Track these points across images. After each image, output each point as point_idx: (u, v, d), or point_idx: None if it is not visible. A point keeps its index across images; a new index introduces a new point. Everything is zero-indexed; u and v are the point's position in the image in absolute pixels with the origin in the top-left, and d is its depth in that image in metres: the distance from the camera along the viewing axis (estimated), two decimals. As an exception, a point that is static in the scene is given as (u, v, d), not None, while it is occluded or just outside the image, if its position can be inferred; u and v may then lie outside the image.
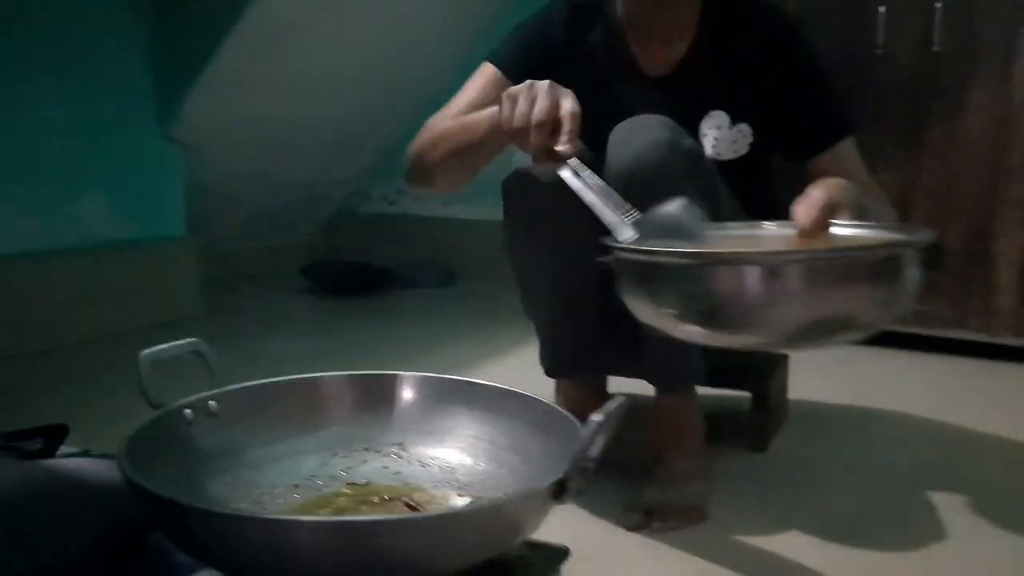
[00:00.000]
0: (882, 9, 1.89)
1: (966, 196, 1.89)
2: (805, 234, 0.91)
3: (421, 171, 1.20)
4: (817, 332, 0.82)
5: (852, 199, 0.95)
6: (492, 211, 1.25)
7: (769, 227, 1.02)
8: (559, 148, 0.95)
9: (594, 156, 1.09)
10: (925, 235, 0.84)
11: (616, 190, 1.05)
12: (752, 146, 1.22)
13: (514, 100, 0.97)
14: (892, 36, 1.90)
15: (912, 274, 0.82)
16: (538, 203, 1.15)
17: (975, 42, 1.84)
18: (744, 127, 1.21)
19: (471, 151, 1.12)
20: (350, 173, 3.14)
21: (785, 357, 1.52)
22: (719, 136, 1.21)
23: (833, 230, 0.91)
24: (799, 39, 1.23)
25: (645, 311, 0.89)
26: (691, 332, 0.86)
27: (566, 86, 1.26)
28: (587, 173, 0.96)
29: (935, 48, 1.86)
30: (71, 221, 2.12)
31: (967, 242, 1.89)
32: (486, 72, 1.26)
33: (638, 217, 0.93)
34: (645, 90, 1.23)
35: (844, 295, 0.80)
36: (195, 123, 2.32)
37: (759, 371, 1.43)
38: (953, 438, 1.48)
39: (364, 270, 2.88)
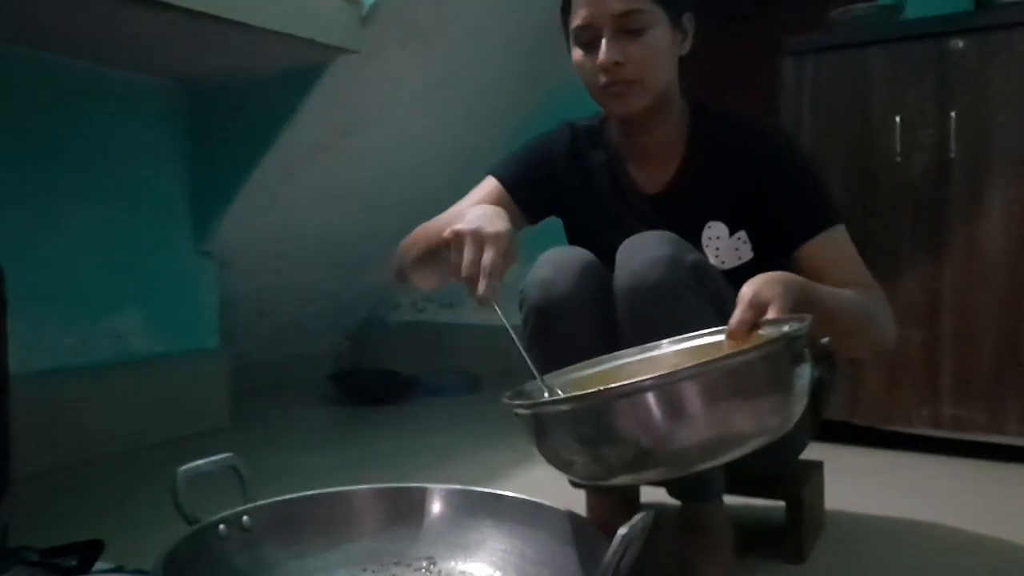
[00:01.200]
0: (898, 119, 1.94)
1: (992, 298, 1.89)
2: (732, 336, 0.91)
3: (399, 269, 1.28)
4: (707, 451, 0.82)
5: (787, 291, 0.94)
6: (518, 317, 1.28)
7: (666, 348, 1.05)
8: (477, 297, 0.97)
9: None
10: (790, 331, 0.82)
11: (621, 306, 1.14)
12: (756, 251, 1.24)
13: (449, 243, 1.01)
14: (909, 144, 1.94)
15: (792, 372, 0.81)
16: (552, 314, 1.18)
17: (990, 147, 1.87)
18: (743, 234, 1.24)
19: (434, 258, 1.16)
20: (376, 283, 3.20)
21: (820, 464, 1.50)
22: (720, 246, 1.24)
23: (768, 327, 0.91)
24: (777, 140, 1.25)
25: (546, 456, 0.90)
26: (589, 473, 0.86)
27: (568, 205, 1.34)
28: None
29: (951, 155, 1.90)
30: (107, 336, 2.16)
31: (999, 344, 1.88)
32: (488, 185, 1.33)
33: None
34: (644, 208, 1.28)
35: (709, 410, 0.79)
36: (228, 239, 2.40)
37: (793, 478, 1.41)
38: (994, 547, 1.44)
39: (391, 378, 2.90)
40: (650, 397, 0.78)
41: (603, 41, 1.15)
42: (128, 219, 2.20)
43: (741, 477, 1.28)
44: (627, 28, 1.14)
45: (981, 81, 1.88)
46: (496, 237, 0.98)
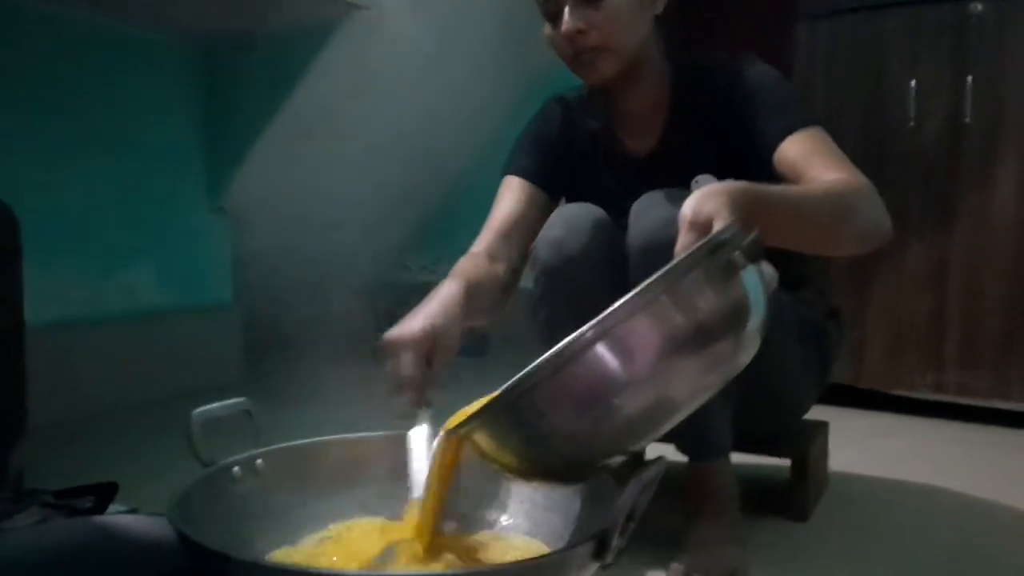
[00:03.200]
0: (913, 83, 1.93)
1: (1000, 265, 1.89)
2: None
3: None
4: (656, 411, 0.72)
5: (733, 200, 0.83)
6: (527, 278, 1.28)
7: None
8: (404, 402, 0.96)
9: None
10: (706, 241, 0.71)
11: (634, 265, 1.12)
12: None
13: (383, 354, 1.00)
14: (923, 109, 1.93)
15: (728, 290, 0.70)
16: (563, 274, 1.17)
17: (1006, 113, 1.86)
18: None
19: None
20: (389, 244, 3.20)
21: (825, 424, 1.51)
22: None
23: None
24: (743, 65, 1.22)
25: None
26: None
27: (568, 177, 1.34)
28: (423, 443, 0.95)
29: (966, 120, 1.88)
30: (120, 289, 2.18)
31: (1006, 310, 1.88)
32: (510, 185, 1.33)
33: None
34: (635, 172, 1.27)
35: (634, 370, 0.67)
36: (241, 198, 2.41)
37: (799, 438, 1.42)
38: (995, 512, 1.45)
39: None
40: (558, 382, 0.67)
41: (565, 11, 1.15)
42: (142, 174, 2.21)
43: (747, 436, 1.29)
44: None
45: (999, 46, 1.86)
46: (409, 343, 0.97)
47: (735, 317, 0.72)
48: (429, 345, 0.98)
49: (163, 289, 2.28)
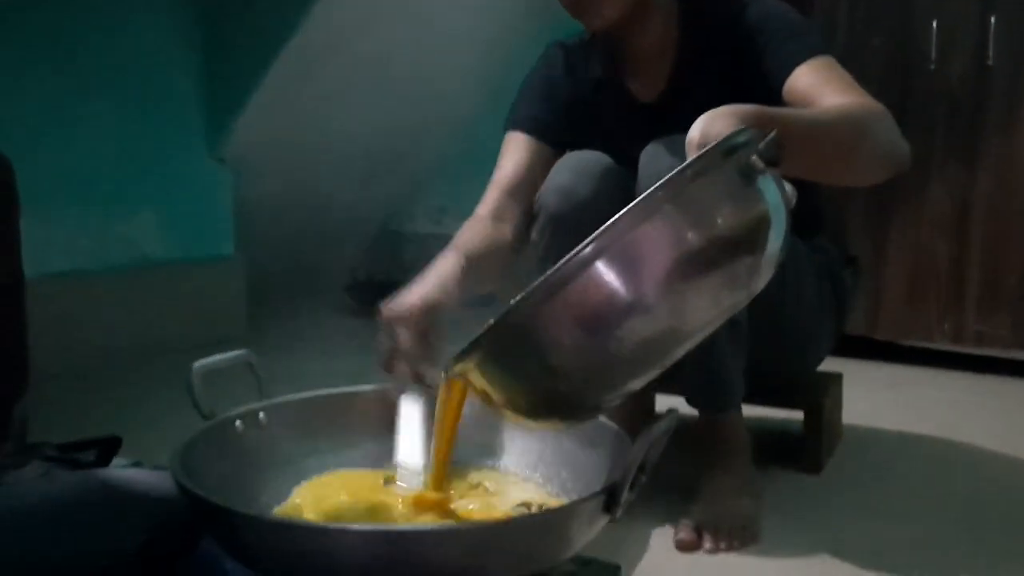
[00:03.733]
0: (935, 24, 1.86)
1: (1023, 209, 1.84)
2: None
3: None
4: (672, 333, 0.67)
5: (743, 121, 0.76)
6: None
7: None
8: (398, 375, 0.96)
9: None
10: (726, 140, 0.65)
11: None
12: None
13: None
14: (945, 50, 1.87)
15: (745, 195, 0.64)
16: (571, 222, 1.14)
17: (1031, 55, 1.81)
18: None
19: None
20: (393, 192, 3.17)
21: (839, 376, 1.49)
22: None
23: None
24: (761, 6, 1.17)
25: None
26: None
27: (573, 125, 1.28)
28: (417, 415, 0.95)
29: (989, 62, 1.83)
30: (122, 240, 2.16)
31: (1027, 258, 1.85)
32: (514, 140, 1.28)
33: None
34: (644, 116, 1.22)
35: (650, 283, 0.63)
36: (243, 145, 2.37)
37: (812, 389, 1.40)
38: (1011, 464, 1.44)
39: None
40: (556, 303, 0.63)
41: None
42: (142, 122, 2.17)
43: (761, 386, 1.27)
44: None
45: (1024, -15, 1.80)
46: (405, 318, 0.96)
47: (754, 231, 0.66)
48: (426, 321, 0.97)
49: (164, 239, 2.26)
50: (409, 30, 2.48)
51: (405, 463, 0.91)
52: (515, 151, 1.27)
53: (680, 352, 0.70)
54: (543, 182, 1.23)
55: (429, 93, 2.78)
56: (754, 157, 0.66)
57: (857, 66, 1.89)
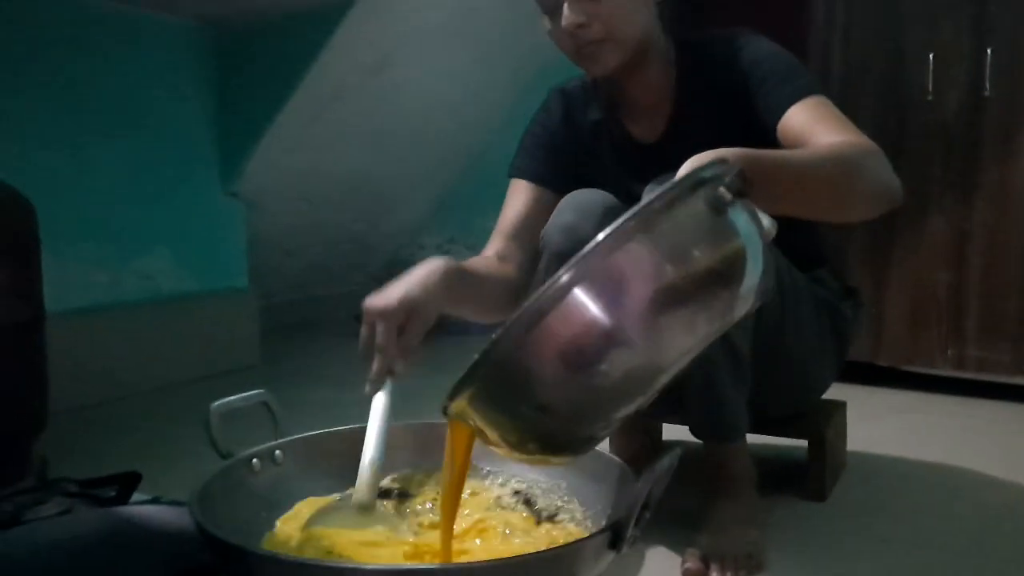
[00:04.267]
0: (931, 56, 1.89)
1: (1022, 237, 1.86)
2: None
3: None
4: (649, 369, 0.67)
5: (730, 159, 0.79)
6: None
7: None
8: (368, 384, 0.97)
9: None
10: (694, 172, 0.67)
11: None
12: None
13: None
14: (941, 83, 1.90)
15: (717, 229, 0.66)
16: (571, 257, 1.16)
17: (1026, 86, 1.83)
18: None
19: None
20: (402, 225, 3.21)
21: (843, 404, 1.51)
22: None
23: None
24: (742, 37, 1.20)
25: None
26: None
27: (574, 169, 1.30)
28: (382, 411, 0.96)
29: (986, 93, 1.85)
30: (138, 275, 2.20)
31: (1026, 285, 1.86)
32: (517, 187, 1.31)
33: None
34: (644, 158, 1.25)
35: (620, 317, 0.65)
36: (256, 181, 2.41)
37: (815, 418, 1.41)
38: (1017, 490, 1.44)
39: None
40: (539, 332, 0.65)
41: (564, 5, 1.12)
42: (157, 160, 2.22)
43: (764, 417, 1.29)
44: None
45: (1020, 17, 1.82)
46: (382, 313, 0.97)
47: (729, 262, 0.68)
48: (403, 316, 0.98)
49: (180, 274, 2.30)
50: (417, 70, 2.53)
51: (362, 465, 0.92)
52: (517, 198, 1.30)
53: (664, 380, 0.71)
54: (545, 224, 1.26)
55: (437, 130, 2.82)
56: (721, 189, 0.67)
57: (853, 99, 1.93)
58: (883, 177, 1.03)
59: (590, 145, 1.31)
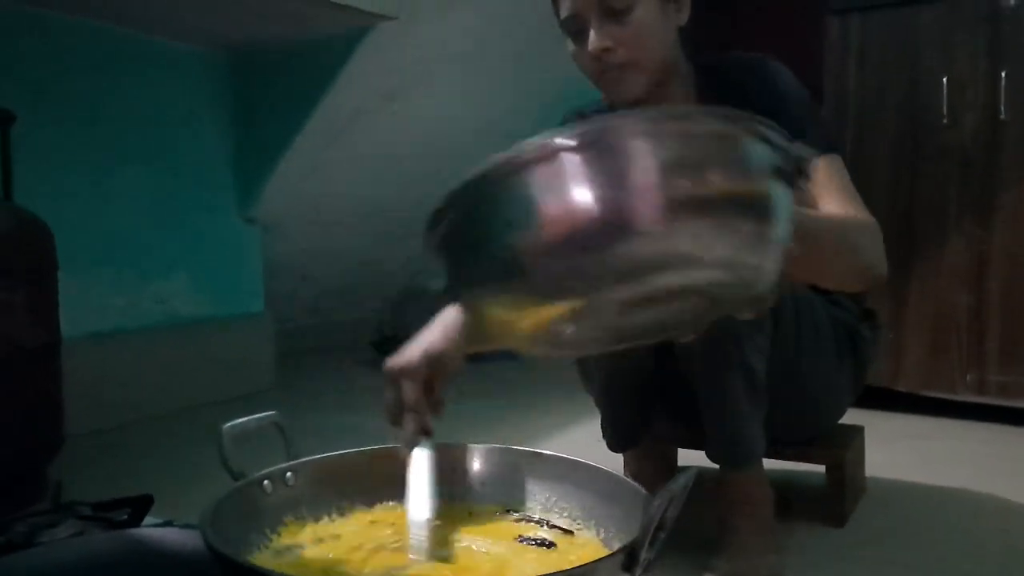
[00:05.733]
0: (945, 80, 1.89)
1: (1043, 262, 1.85)
2: None
3: None
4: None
5: None
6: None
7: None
8: (406, 430, 0.96)
9: None
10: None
11: None
12: None
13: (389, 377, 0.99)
14: (956, 106, 1.90)
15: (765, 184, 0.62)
16: None
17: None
18: None
19: None
20: (418, 251, 3.21)
21: (861, 428, 1.49)
22: None
23: None
24: (766, 67, 1.21)
25: None
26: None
27: None
28: (425, 468, 0.94)
29: (1002, 116, 1.85)
30: (155, 299, 2.21)
31: (1048, 309, 1.84)
32: None
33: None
34: None
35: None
36: (272, 206, 2.43)
37: (834, 443, 1.40)
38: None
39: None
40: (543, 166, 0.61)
41: (591, 28, 1.11)
42: (174, 185, 2.24)
43: (782, 441, 1.28)
44: (612, 10, 1.09)
45: (1034, 39, 1.82)
46: (405, 371, 0.97)
47: (751, 205, 0.64)
48: (429, 372, 0.98)
49: (197, 298, 2.31)
50: (432, 97, 2.55)
51: (414, 519, 0.90)
52: None
53: (661, 280, 0.63)
54: None
55: (452, 156, 2.83)
56: (779, 155, 0.65)
57: (870, 123, 1.93)
58: (873, 257, 1.07)
59: None
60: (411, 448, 0.95)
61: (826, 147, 1.14)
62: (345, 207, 2.72)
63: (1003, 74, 1.84)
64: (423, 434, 0.96)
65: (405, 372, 0.97)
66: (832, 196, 1.10)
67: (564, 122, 1.35)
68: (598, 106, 1.33)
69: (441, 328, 1.03)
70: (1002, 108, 1.84)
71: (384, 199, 2.81)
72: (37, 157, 1.85)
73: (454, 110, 2.68)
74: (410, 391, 0.96)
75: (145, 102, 2.15)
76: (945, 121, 1.90)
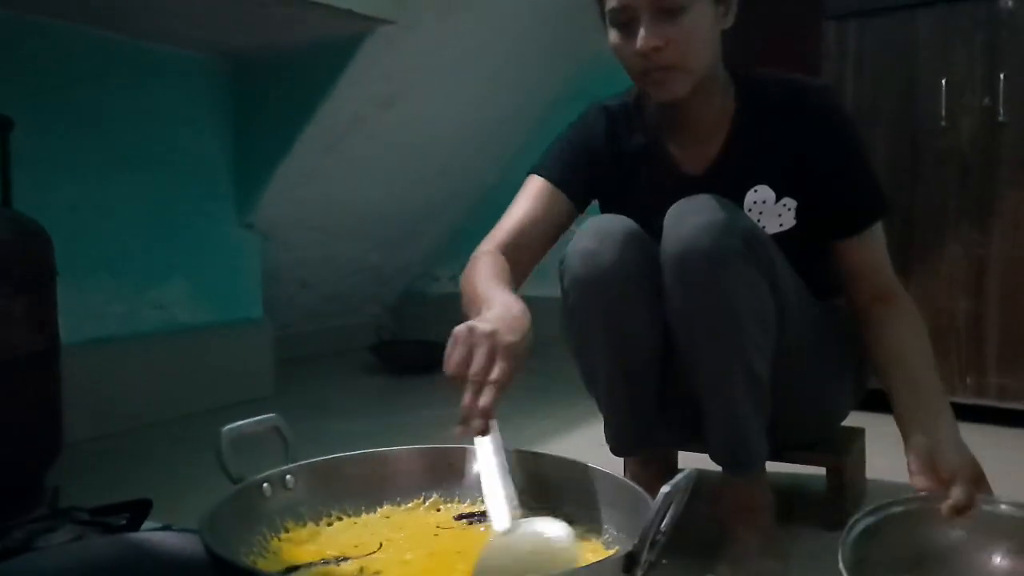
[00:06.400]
0: (943, 82, 1.89)
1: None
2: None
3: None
4: None
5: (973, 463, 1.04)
6: (555, 288, 1.27)
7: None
8: (474, 425, 0.88)
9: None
10: None
11: (669, 275, 1.08)
12: (799, 220, 1.21)
13: (456, 341, 0.90)
14: (955, 108, 1.90)
15: None
16: (595, 286, 1.15)
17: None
18: (789, 202, 1.21)
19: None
20: (416, 256, 3.22)
21: (861, 431, 1.49)
22: (764, 210, 1.21)
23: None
24: (826, 100, 1.21)
25: None
26: None
27: (608, 190, 1.29)
28: (498, 455, 0.91)
29: (1000, 119, 1.85)
30: (154, 306, 2.21)
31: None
32: (534, 184, 1.27)
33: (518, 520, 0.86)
34: (688, 188, 1.18)
35: None
36: (271, 213, 2.43)
37: (835, 445, 1.39)
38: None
39: (430, 349, 2.92)
40: None
41: (641, 24, 1.08)
42: (173, 192, 2.24)
43: (783, 444, 1.28)
44: (666, 8, 1.07)
45: (1032, 41, 1.82)
46: (509, 350, 0.89)
47: None
48: (519, 361, 0.92)
49: (195, 305, 2.30)
50: (430, 103, 2.55)
51: (493, 506, 0.88)
52: (534, 196, 1.26)
53: None
54: (553, 231, 1.25)
55: (451, 161, 2.83)
56: None
57: (868, 126, 1.93)
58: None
59: (628, 168, 1.28)
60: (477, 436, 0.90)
61: (877, 212, 1.20)
62: (344, 213, 2.72)
63: (1002, 76, 1.84)
64: (486, 430, 0.89)
65: (503, 348, 0.88)
66: (875, 271, 1.21)
67: (588, 114, 1.32)
68: (623, 102, 1.31)
69: (517, 313, 0.96)
70: (1000, 110, 1.84)
71: (383, 205, 2.81)
72: (36, 164, 1.86)
73: (452, 116, 2.68)
74: (481, 356, 0.87)
75: (144, 109, 2.15)
76: (943, 124, 1.90)
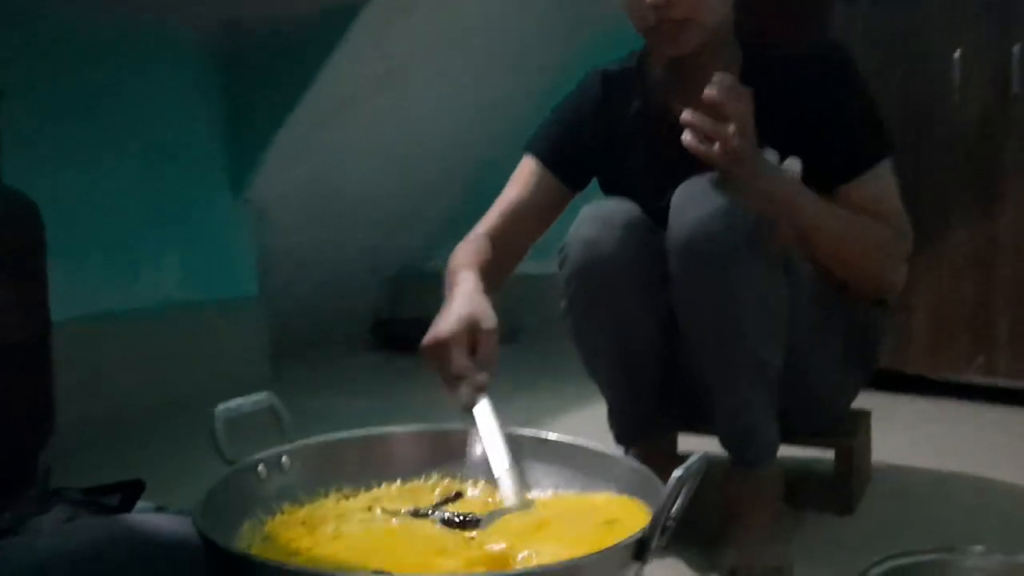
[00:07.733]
0: (957, 54, 1.85)
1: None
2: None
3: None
4: None
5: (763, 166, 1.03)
6: (554, 267, 1.24)
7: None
8: (463, 393, 0.96)
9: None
10: None
11: (675, 263, 1.07)
12: (805, 180, 1.17)
13: (429, 365, 0.99)
14: (968, 80, 1.86)
15: None
16: (596, 276, 1.14)
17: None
18: (793, 161, 1.17)
19: None
20: (412, 238, 3.19)
21: (868, 413, 1.46)
22: None
23: None
24: (834, 56, 1.20)
25: None
26: None
27: (603, 160, 1.27)
28: (491, 421, 0.95)
29: (1015, 90, 1.81)
30: (147, 284, 2.18)
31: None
32: (526, 166, 1.27)
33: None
34: (685, 154, 1.14)
35: None
36: (265, 191, 2.40)
37: (842, 429, 1.37)
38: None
39: (429, 328, 2.90)
40: None
41: None
42: (166, 169, 2.21)
43: (790, 429, 1.25)
44: None
45: (1046, 12, 1.78)
46: (445, 341, 0.96)
47: None
48: (468, 336, 0.97)
49: (189, 284, 2.28)
50: (427, 82, 2.52)
51: (499, 474, 0.91)
52: (527, 180, 1.26)
53: None
54: (547, 215, 1.26)
55: (448, 143, 2.80)
56: None
57: (878, 99, 1.88)
58: (889, 268, 1.18)
59: (627, 134, 1.25)
60: (471, 407, 0.95)
61: (879, 153, 1.17)
62: (340, 195, 2.68)
63: (1015, 48, 1.80)
64: (479, 392, 0.95)
65: (444, 342, 0.96)
66: (878, 213, 1.14)
67: (588, 81, 1.31)
68: (623, 65, 1.29)
69: (462, 295, 1.03)
70: (1015, 83, 1.80)
71: (379, 187, 2.77)
72: (27, 142, 1.82)
73: (449, 95, 2.64)
74: (456, 357, 0.95)
75: (136, 86, 2.11)
76: (956, 97, 1.86)
